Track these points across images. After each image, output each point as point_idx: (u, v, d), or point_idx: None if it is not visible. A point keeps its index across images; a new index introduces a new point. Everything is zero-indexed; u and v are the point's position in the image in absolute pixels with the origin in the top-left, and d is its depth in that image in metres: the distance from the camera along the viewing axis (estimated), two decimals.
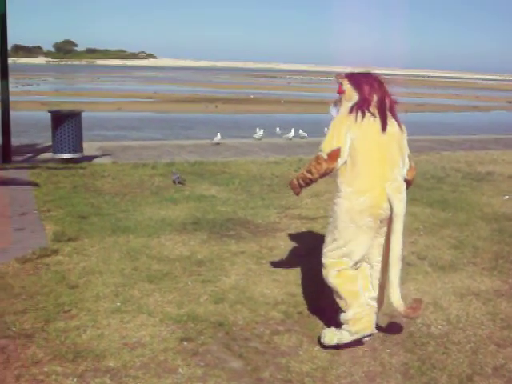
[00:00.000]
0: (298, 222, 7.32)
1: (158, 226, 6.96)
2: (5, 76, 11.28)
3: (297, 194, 4.85)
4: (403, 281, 5.39)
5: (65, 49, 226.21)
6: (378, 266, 4.44)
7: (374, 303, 4.37)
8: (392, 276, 4.32)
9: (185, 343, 4.16)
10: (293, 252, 6.18)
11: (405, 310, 4.20)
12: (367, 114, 4.23)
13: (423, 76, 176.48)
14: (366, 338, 4.32)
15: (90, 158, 11.80)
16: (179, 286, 5.16)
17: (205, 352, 4.06)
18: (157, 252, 6.05)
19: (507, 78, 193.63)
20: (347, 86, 4.41)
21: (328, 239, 4.49)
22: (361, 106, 4.25)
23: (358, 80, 4.42)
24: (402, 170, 4.44)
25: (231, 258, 5.93)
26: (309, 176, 4.60)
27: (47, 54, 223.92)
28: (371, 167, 4.24)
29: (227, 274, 5.50)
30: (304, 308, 4.78)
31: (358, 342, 4.25)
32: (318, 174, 4.53)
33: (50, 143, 11.67)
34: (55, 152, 11.27)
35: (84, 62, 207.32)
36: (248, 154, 13.22)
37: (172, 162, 11.33)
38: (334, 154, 4.27)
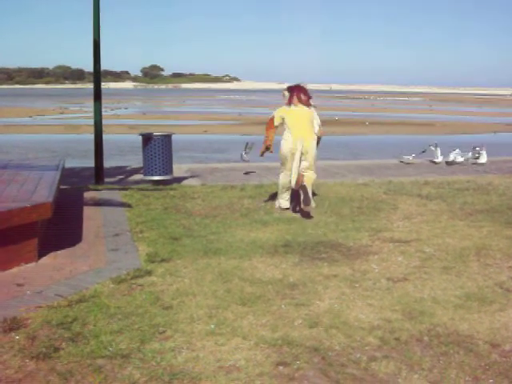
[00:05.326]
0: (391, 245, 7.18)
1: (249, 248, 6.95)
2: (98, 98, 11.60)
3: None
4: (504, 307, 5.23)
5: (151, 73, 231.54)
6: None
7: None
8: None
9: (280, 368, 4.10)
10: (387, 276, 6.03)
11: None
12: (292, 105, 9.33)
13: (505, 95, 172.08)
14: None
15: (179, 180, 11.97)
16: (273, 309, 5.11)
17: (301, 377, 3.99)
18: (249, 274, 6.03)
19: None
20: (286, 92, 9.61)
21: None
22: (288, 102, 9.41)
23: (290, 89, 9.54)
24: (311, 128, 9.28)
25: (324, 282, 5.84)
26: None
27: (134, 78, 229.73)
28: (292, 129, 9.12)
29: (320, 297, 5.41)
30: (401, 334, 4.64)
31: None
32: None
33: (140, 165, 11.92)
34: (146, 174, 11.48)
35: (170, 86, 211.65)
36: (336, 176, 13.13)
37: (261, 184, 11.34)
38: (271, 122, 9.36)
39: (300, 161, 8.94)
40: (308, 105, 9.41)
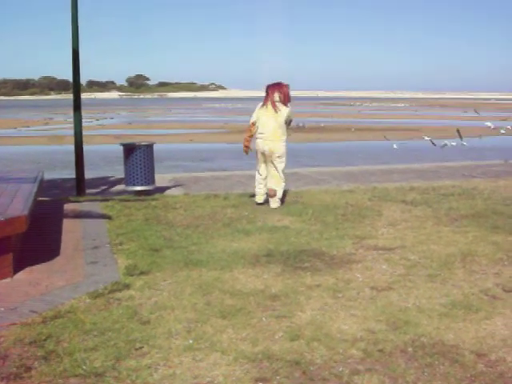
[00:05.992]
0: (375, 253, 7.05)
1: (230, 258, 6.81)
2: (78, 109, 11.45)
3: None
4: (490, 315, 5.12)
5: (137, 83, 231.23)
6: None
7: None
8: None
9: None
10: (370, 285, 5.90)
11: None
12: (264, 106, 9.85)
13: (489, 99, 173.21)
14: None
15: (162, 190, 11.82)
16: (253, 322, 4.97)
17: None
18: (230, 286, 5.89)
19: None
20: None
21: None
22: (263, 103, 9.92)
23: (267, 88, 9.95)
24: (278, 130, 9.78)
25: (306, 292, 5.71)
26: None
27: (120, 88, 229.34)
28: (260, 129, 9.81)
29: (303, 308, 5.28)
30: (385, 345, 4.51)
31: None
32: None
33: (123, 176, 11.74)
34: (127, 184, 11.32)
35: (156, 95, 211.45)
36: (320, 182, 13.01)
37: (244, 192, 11.21)
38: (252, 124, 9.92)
39: (267, 163, 9.93)
40: (284, 103, 9.88)
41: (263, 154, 9.91)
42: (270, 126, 9.79)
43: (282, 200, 10.13)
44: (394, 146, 14.97)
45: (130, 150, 11.17)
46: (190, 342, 4.58)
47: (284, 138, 9.90)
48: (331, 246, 7.35)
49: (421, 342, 4.57)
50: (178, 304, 5.40)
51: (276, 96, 9.84)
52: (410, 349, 4.45)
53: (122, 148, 11.61)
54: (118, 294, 5.66)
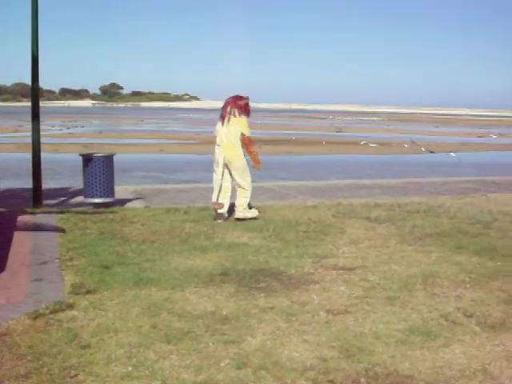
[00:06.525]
0: (334, 273, 6.81)
1: (183, 277, 6.52)
2: (36, 117, 11.11)
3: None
4: (449, 342, 4.89)
5: (110, 91, 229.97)
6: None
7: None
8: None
9: None
10: (326, 308, 5.65)
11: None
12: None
13: (461, 115, 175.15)
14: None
15: (122, 203, 11.49)
16: (199, 348, 4.69)
17: None
18: (179, 307, 5.60)
19: None
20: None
21: None
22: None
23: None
24: (233, 141, 9.81)
25: (259, 315, 5.44)
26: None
27: (93, 96, 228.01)
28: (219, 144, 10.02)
29: (253, 333, 5.01)
30: (336, 375, 4.25)
31: None
32: None
33: None
34: (86, 196, 10.98)
35: (129, 104, 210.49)
36: (285, 197, 12.79)
37: (206, 206, 10.92)
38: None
39: (223, 174, 9.93)
40: (236, 114, 9.91)
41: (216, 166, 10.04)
42: (226, 140, 9.91)
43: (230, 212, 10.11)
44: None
45: (88, 160, 10.83)
46: (130, 369, 4.30)
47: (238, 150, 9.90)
48: (289, 264, 7.10)
49: (374, 371, 4.33)
50: (123, 326, 5.11)
51: (228, 109, 9.98)
52: (362, 379, 4.22)
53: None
54: (60, 315, 5.35)
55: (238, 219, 9.76)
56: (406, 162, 27.18)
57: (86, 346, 4.68)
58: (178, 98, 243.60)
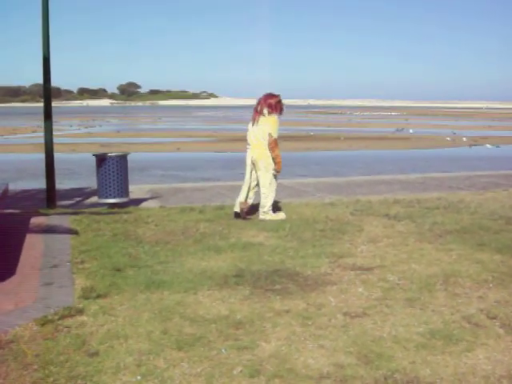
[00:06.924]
0: (352, 274, 6.60)
1: (197, 279, 6.34)
2: (48, 117, 10.99)
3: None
4: (472, 347, 4.68)
5: (128, 90, 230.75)
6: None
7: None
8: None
9: None
10: (344, 310, 5.45)
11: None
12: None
13: (481, 108, 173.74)
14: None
15: (137, 202, 11.35)
16: (211, 355, 4.51)
17: None
18: (192, 311, 5.43)
19: None
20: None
21: None
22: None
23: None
24: (262, 140, 9.62)
25: (274, 319, 5.25)
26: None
27: (111, 96, 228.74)
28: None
29: (267, 338, 4.82)
30: (353, 383, 4.06)
31: None
32: None
33: None
34: (100, 197, 10.84)
35: (147, 103, 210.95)
36: (303, 194, 12.58)
37: (222, 205, 10.76)
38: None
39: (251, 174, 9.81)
40: (265, 113, 9.67)
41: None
42: (254, 138, 9.77)
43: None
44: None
45: (102, 160, 10.68)
46: (138, 378, 4.14)
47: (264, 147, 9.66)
48: (306, 265, 6.90)
49: (394, 379, 4.13)
50: (133, 332, 4.94)
51: (258, 108, 9.77)
52: None
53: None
54: (69, 321, 5.20)
55: (261, 220, 9.57)
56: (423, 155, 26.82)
57: (95, 354, 4.52)
58: (195, 96, 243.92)
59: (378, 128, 54.31)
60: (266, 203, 9.64)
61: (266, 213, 9.62)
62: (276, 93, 9.88)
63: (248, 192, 9.78)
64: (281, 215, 9.73)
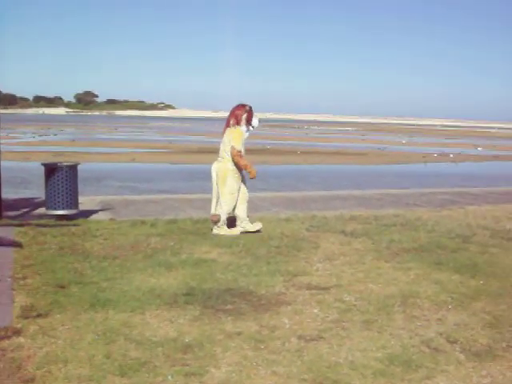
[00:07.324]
0: (307, 293, 6.35)
1: (144, 298, 6.03)
2: None
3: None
4: (432, 373, 4.47)
5: (85, 100, 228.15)
6: None
7: None
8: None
9: None
10: (298, 333, 5.19)
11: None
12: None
13: (434, 125, 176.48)
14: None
15: (87, 214, 10.95)
16: (156, 381, 4.21)
17: None
18: (138, 333, 5.11)
19: None
20: None
21: None
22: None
23: None
24: (224, 153, 9.44)
25: (224, 342, 4.96)
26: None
27: (68, 104, 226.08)
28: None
29: (217, 363, 4.53)
30: None
31: None
32: None
33: None
34: (48, 208, 10.40)
35: (104, 112, 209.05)
36: (259, 209, 12.30)
37: (174, 219, 10.44)
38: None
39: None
40: (231, 125, 9.52)
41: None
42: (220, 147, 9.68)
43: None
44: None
45: (51, 170, 10.26)
46: None
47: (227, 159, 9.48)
48: (260, 283, 6.64)
49: None
50: (73, 356, 4.61)
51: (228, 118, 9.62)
52: None
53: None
54: (5, 343, 4.84)
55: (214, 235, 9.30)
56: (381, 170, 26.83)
57: (29, 381, 4.18)
58: (153, 107, 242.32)
59: (334, 143, 54.46)
60: (222, 217, 9.36)
61: (219, 227, 9.34)
62: (246, 103, 9.65)
63: (217, 204, 9.50)
64: (235, 231, 9.46)
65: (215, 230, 9.35)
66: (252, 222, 9.58)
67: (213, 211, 9.48)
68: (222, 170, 9.38)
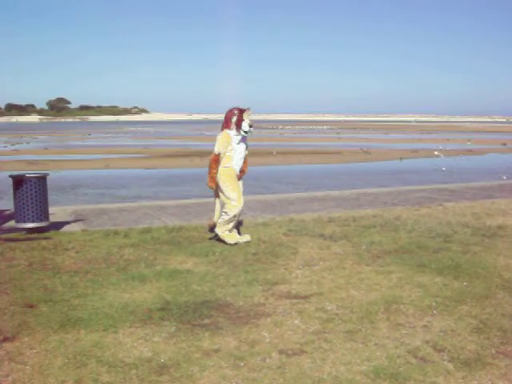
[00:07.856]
0: (287, 303, 6.12)
1: (117, 315, 5.76)
2: None
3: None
4: None
5: (58, 106, 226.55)
6: None
7: None
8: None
9: None
10: (279, 347, 4.96)
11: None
12: None
13: (410, 121, 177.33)
14: None
15: (59, 226, 10.63)
16: None
17: None
18: (110, 354, 4.85)
19: (497, 120, 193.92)
20: None
21: None
22: None
23: None
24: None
25: (202, 360, 4.72)
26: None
27: (40, 111, 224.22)
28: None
29: None
30: None
31: None
32: None
33: None
34: (18, 221, 10.07)
35: (77, 118, 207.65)
36: None
37: (148, 227, 10.16)
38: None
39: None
40: (222, 128, 9.36)
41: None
42: None
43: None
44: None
45: (19, 182, 9.94)
46: None
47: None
48: (238, 294, 6.40)
49: None
50: (42, 383, 4.34)
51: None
52: None
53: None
54: None
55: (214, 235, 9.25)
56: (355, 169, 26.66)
57: None
58: (126, 111, 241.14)
59: (310, 142, 54.35)
60: (224, 220, 9.20)
61: (221, 230, 9.19)
62: (237, 107, 9.32)
63: (221, 210, 9.33)
64: (245, 237, 9.25)
65: (216, 230, 9.20)
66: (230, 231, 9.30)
67: (216, 218, 9.28)
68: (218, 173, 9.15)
